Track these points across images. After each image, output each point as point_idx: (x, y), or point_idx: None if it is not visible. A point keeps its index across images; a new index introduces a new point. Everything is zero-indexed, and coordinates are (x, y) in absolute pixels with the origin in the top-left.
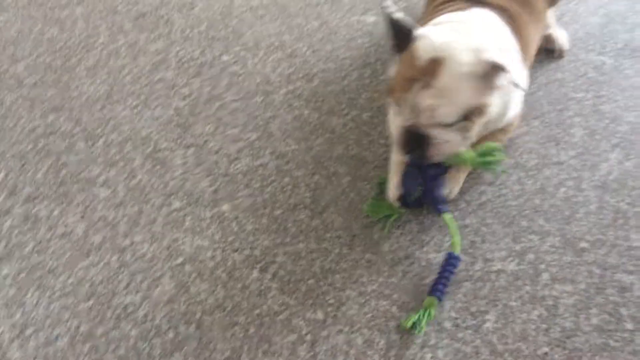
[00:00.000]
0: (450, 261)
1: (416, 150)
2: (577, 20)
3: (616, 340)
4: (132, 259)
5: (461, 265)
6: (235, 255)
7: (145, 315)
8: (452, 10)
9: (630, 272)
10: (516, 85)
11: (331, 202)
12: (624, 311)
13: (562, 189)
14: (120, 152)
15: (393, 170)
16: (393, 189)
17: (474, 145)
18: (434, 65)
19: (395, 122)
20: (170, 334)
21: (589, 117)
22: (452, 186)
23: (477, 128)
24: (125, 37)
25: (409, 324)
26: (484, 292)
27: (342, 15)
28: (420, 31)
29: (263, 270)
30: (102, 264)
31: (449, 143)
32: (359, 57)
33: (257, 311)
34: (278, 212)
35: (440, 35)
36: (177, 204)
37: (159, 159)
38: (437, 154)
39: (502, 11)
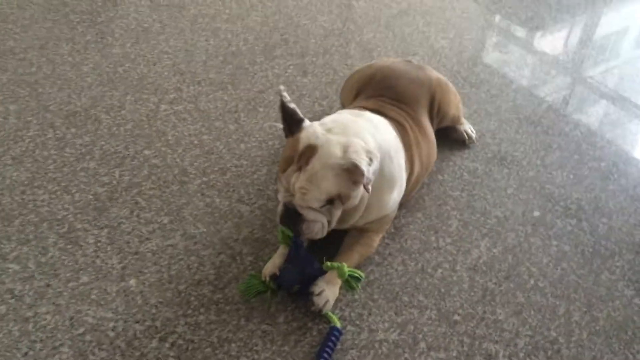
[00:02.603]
0: (333, 332)
1: (292, 225)
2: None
3: None
4: (34, 328)
5: (348, 335)
6: (137, 326)
7: None
8: (351, 108)
9: (496, 342)
10: (367, 187)
11: (233, 279)
12: None
13: (440, 270)
14: (35, 232)
15: (279, 251)
16: (270, 267)
17: (354, 238)
18: (309, 152)
19: (278, 197)
20: None
21: (464, 211)
22: (324, 288)
23: (338, 213)
24: (54, 132)
25: None
26: (367, 359)
27: (257, 121)
28: (307, 123)
29: (162, 339)
30: (2, 333)
31: (316, 223)
32: (269, 156)
33: None
34: (182, 287)
35: (321, 127)
36: (85, 279)
37: (72, 238)
38: (308, 230)
39: (397, 123)
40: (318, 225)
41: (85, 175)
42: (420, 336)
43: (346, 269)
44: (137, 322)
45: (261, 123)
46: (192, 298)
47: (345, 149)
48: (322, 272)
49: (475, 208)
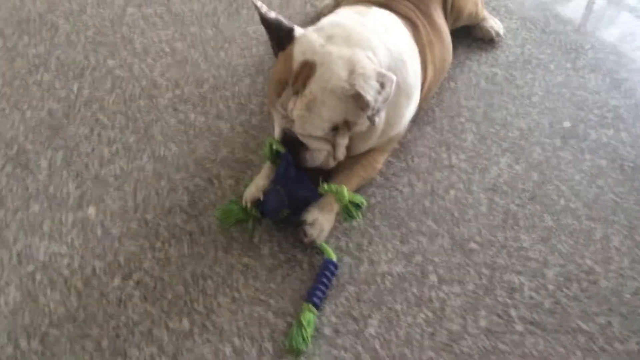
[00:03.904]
0: (328, 266)
1: (293, 152)
2: (470, 35)
3: (505, 343)
4: None
5: (345, 268)
6: (96, 262)
7: None
8: (353, 4)
9: (520, 273)
10: (373, 120)
11: (210, 205)
12: (513, 312)
13: (452, 191)
14: None
15: (263, 172)
16: (253, 190)
17: (354, 158)
18: (306, 71)
19: (275, 123)
20: (9, 349)
21: (481, 123)
22: (317, 216)
23: (345, 141)
24: (3, 41)
25: (291, 344)
26: (368, 295)
27: (239, 25)
28: (300, 31)
29: (126, 277)
30: None
31: (321, 151)
32: (253, 65)
33: (114, 322)
34: (150, 215)
35: (319, 36)
36: (35, 208)
37: (22, 161)
38: (312, 160)
39: (408, 20)
40: (323, 154)
41: (39, 90)
42: (430, 268)
43: (347, 194)
44: (97, 257)
45: (244, 27)
46: (162, 228)
47: (351, 70)
48: (316, 196)
49: (494, 119)
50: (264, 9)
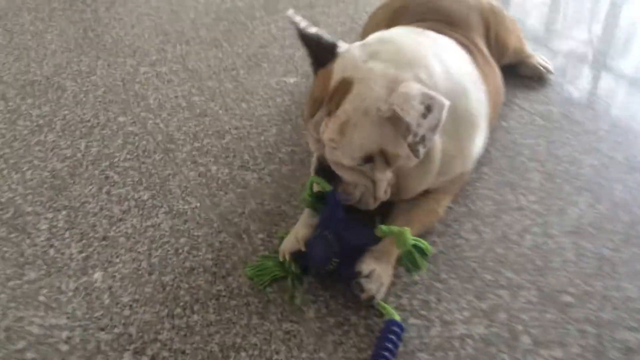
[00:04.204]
0: (391, 328)
1: (331, 185)
2: (517, 74)
3: None
4: None
5: (412, 331)
6: (102, 335)
7: None
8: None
9: (633, 329)
10: (415, 150)
11: (239, 263)
12: None
13: (528, 236)
14: None
15: (302, 220)
16: (292, 241)
17: (413, 200)
18: (343, 89)
19: (312, 150)
20: None
21: (545, 162)
22: (374, 266)
23: (385, 176)
24: (5, 103)
25: None
26: None
27: (260, 77)
28: (344, 47)
29: (139, 351)
30: None
31: (358, 186)
32: (279, 115)
33: None
34: (168, 278)
35: (363, 51)
36: (31, 275)
37: (19, 224)
38: (346, 195)
39: (463, 46)
40: (359, 190)
41: (42, 150)
42: (520, 327)
43: (410, 237)
44: (102, 329)
45: (266, 79)
46: (182, 292)
47: (392, 88)
48: (372, 242)
49: (559, 157)
50: (302, 24)
